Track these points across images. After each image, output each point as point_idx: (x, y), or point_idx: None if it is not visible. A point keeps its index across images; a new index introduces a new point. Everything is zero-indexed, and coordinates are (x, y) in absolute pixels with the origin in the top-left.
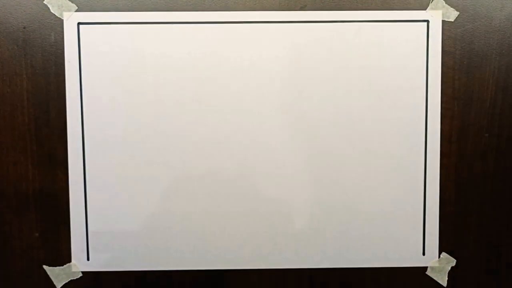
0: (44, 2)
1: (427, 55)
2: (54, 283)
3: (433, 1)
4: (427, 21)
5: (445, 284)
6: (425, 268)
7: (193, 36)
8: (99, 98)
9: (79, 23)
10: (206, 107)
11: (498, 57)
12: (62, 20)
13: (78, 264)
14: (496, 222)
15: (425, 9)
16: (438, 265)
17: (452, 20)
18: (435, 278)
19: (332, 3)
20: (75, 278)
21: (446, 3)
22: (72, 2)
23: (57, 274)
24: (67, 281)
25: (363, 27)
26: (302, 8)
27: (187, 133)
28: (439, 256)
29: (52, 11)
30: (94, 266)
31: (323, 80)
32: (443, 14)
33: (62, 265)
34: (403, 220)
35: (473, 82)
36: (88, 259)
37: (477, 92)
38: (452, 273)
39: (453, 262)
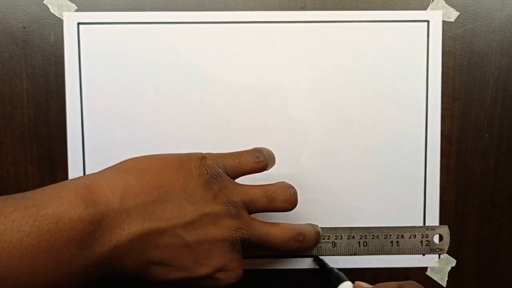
0: (44, 2)
1: (427, 55)
2: None
3: (434, 1)
4: (428, 21)
5: (445, 285)
6: (425, 268)
7: (193, 36)
8: (99, 98)
9: (79, 23)
10: (206, 107)
11: (499, 57)
12: (62, 20)
13: None
14: (496, 222)
15: (425, 9)
16: (438, 265)
17: (453, 20)
18: (435, 279)
19: (332, 3)
20: None
21: (446, 3)
22: (72, 2)
23: None
24: None
25: (363, 27)
26: (302, 8)
27: (187, 133)
28: (439, 257)
29: (52, 11)
30: None
31: (323, 80)
32: (443, 14)
33: None
34: (404, 221)
35: (473, 82)
36: None
37: (478, 92)
38: (452, 273)
39: (453, 262)
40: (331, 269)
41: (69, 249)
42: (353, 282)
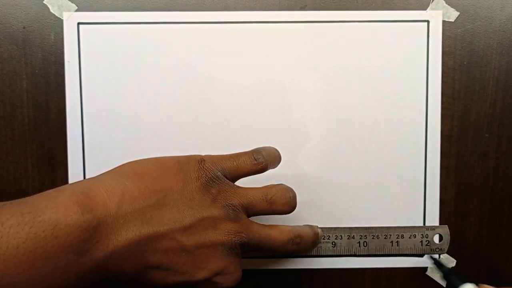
0: (44, 2)
1: (427, 55)
2: None
3: (434, 1)
4: (428, 21)
5: (445, 285)
6: (425, 268)
7: (193, 36)
8: (99, 98)
9: (79, 23)
10: (206, 107)
11: (499, 58)
12: (62, 20)
13: None
14: (496, 222)
15: (425, 9)
16: None
17: (453, 20)
18: (435, 279)
19: (332, 3)
20: None
21: (446, 3)
22: (72, 2)
23: None
24: None
25: (363, 27)
26: (302, 8)
27: (187, 133)
28: (439, 257)
29: (52, 11)
30: None
31: (323, 80)
32: (443, 14)
33: None
34: (404, 221)
35: (473, 82)
36: None
37: (478, 92)
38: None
39: (453, 262)
40: (452, 269)
41: (65, 255)
42: (476, 284)
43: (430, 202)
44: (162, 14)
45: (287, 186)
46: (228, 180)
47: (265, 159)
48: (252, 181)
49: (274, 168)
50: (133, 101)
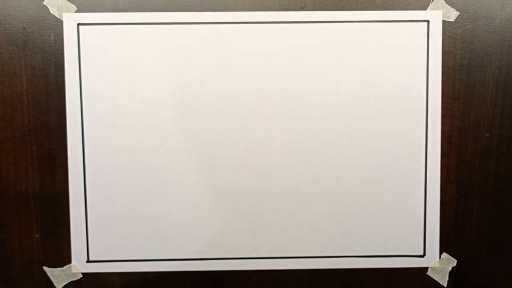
0: (44, 3)
1: (427, 55)
2: (54, 284)
3: (434, 1)
4: (428, 21)
5: (445, 285)
6: (426, 268)
7: (193, 36)
8: (99, 99)
9: (78, 24)
10: (206, 107)
11: (499, 57)
12: (62, 21)
13: (78, 265)
14: (496, 222)
15: (425, 9)
16: (439, 265)
17: (453, 20)
18: (436, 279)
19: (332, 3)
20: (75, 279)
21: (446, 3)
22: (72, 3)
23: (57, 275)
24: (67, 282)
25: (363, 27)
26: (302, 8)
27: (186, 133)
28: (439, 257)
29: (51, 12)
30: (94, 267)
31: (323, 80)
32: (443, 14)
33: (62, 266)
34: (404, 220)
35: (473, 82)
36: (88, 260)
37: (478, 92)
38: (452, 273)
39: (453, 262)
40: None
41: None
42: None
43: (430, 202)
44: (162, 14)
45: None
46: None
47: None
48: (252, 176)
49: None
50: (133, 102)
